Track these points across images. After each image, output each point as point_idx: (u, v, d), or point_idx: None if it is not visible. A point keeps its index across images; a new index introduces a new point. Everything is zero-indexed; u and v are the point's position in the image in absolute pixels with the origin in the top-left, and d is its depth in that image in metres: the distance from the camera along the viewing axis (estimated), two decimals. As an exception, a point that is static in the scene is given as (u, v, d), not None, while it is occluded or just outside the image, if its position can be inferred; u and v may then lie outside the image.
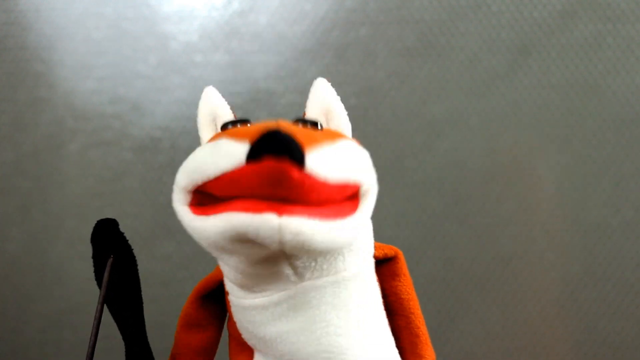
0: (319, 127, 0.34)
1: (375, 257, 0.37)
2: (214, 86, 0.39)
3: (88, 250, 0.38)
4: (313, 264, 0.33)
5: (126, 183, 0.72)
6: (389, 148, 0.71)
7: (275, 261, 0.32)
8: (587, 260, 0.71)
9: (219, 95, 0.38)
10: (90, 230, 0.38)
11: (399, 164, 0.71)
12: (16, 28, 0.72)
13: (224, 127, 0.35)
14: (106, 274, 0.37)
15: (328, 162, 0.29)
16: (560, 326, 0.72)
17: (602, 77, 0.71)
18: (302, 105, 0.40)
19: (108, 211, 0.71)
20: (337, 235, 0.30)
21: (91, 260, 0.38)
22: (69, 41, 0.72)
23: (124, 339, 0.38)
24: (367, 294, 0.36)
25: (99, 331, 0.38)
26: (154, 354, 0.41)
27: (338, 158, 0.31)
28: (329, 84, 0.38)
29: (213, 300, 0.40)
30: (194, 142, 0.36)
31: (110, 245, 0.37)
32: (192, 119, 0.39)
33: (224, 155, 0.29)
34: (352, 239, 0.32)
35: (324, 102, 0.38)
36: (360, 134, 0.70)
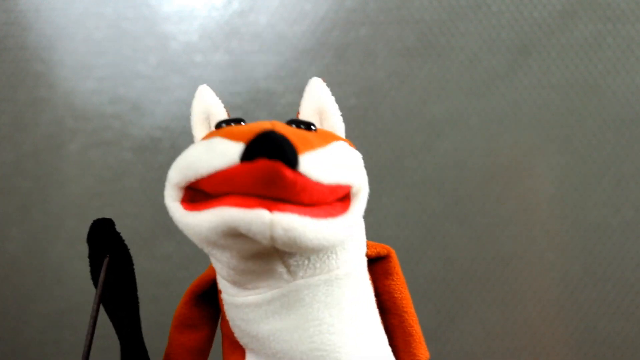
0: (313, 129, 0.34)
1: (368, 255, 0.38)
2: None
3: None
4: (306, 262, 0.33)
5: (126, 183, 0.72)
6: (389, 148, 0.71)
7: (268, 258, 0.32)
8: (587, 260, 0.71)
9: (213, 94, 0.38)
10: (91, 230, 0.38)
11: (399, 164, 0.71)
12: (16, 28, 0.72)
13: (218, 125, 0.35)
14: (102, 274, 0.37)
15: (321, 164, 0.30)
16: (560, 326, 0.72)
17: (602, 77, 0.71)
18: (302, 105, 0.40)
19: (108, 211, 0.71)
20: (328, 233, 0.30)
21: (91, 261, 0.38)
22: (69, 41, 0.72)
23: (119, 338, 0.38)
24: (360, 293, 0.36)
25: (96, 331, 0.38)
26: (154, 354, 0.41)
27: (331, 161, 0.31)
28: (324, 83, 0.38)
29: (206, 300, 0.40)
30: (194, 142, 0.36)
31: (106, 245, 0.37)
32: (192, 119, 0.39)
33: (218, 154, 0.29)
34: (343, 237, 0.32)
35: (319, 102, 0.38)
36: (360, 134, 0.71)
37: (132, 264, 0.38)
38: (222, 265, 0.34)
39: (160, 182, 0.32)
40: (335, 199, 0.31)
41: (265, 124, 0.32)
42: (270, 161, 0.27)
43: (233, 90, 0.71)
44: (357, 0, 0.71)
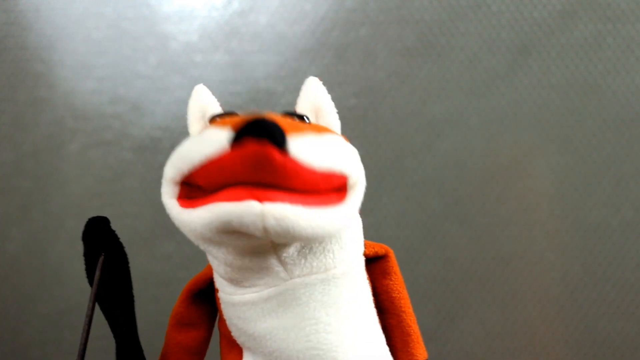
0: (307, 121, 0.35)
1: (365, 255, 0.38)
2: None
3: (88, 250, 0.38)
4: (302, 260, 0.33)
5: (126, 183, 0.72)
6: (389, 148, 0.71)
7: (264, 255, 0.32)
8: (587, 260, 0.71)
9: (210, 94, 0.38)
10: (91, 230, 0.38)
11: (399, 164, 0.71)
12: (16, 28, 0.72)
13: (212, 119, 0.35)
14: (97, 272, 0.37)
15: (312, 148, 0.29)
16: (560, 326, 0.72)
17: (602, 77, 0.71)
18: (302, 105, 0.40)
19: (108, 211, 0.71)
20: (322, 222, 0.30)
21: (91, 261, 0.38)
22: (69, 41, 0.72)
23: (114, 336, 0.38)
24: (357, 292, 0.36)
25: (95, 331, 0.38)
26: (154, 354, 0.41)
27: (323, 146, 0.30)
28: (320, 82, 0.38)
29: (204, 299, 0.40)
30: (194, 142, 0.36)
31: (101, 243, 0.37)
32: (192, 119, 0.39)
33: (208, 141, 0.29)
34: (339, 227, 0.32)
35: (315, 100, 0.38)
36: (360, 134, 0.71)
37: (127, 262, 0.38)
38: (219, 263, 0.34)
39: (160, 182, 0.32)
40: (331, 189, 0.31)
41: (256, 114, 0.32)
42: (258, 144, 0.27)
43: (233, 90, 0.71)
44: (357, 0, 0.71)
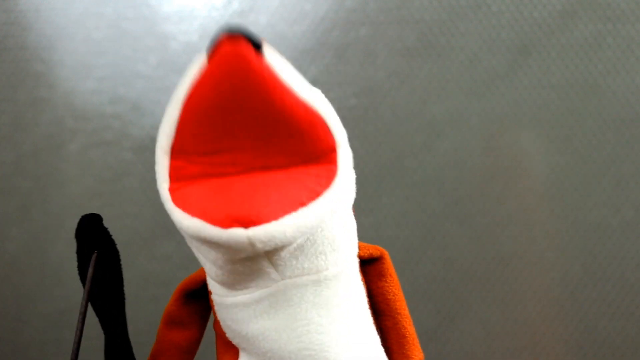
0: None
1: (360, 257, 0.38)
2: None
3: (88, 250, 0.38)
4: (294, 262, 0.33)
5: (126, 183, 0.72)
6: (389, 148, 0.71)
7: (255, 259, 0.32)
8: (587, 260, 0.71)
9: None
10: (90, 230, 0.38)
11: (399, 164, 0.71)
12: (16, 28, 0.72)
13: None
14: (90, 270, 0.37)
15: (290, 70, 0.30)
16: (560, 326, 0.72)
17: (602, 77, 0.71)
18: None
19: (108, 211, 0.71)
20: (311, 221, 0.30)
21: (91, 260, 0.38)
22: (69, 41, 0.72)
23: (104, 333, 0.38)
24: (351, 293, 0.36)
25: (92, 330, 0.38)
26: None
27: (303, 82, 0.31)
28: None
29: (196, 299, 0.40)
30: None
31: (94, 241, 0.37)
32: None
33: (187, 74, 0.31)
34: (331, 214, 0.32)
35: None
36: (360, 134, 0.71)
37: (120, 260, 0.38)
38: (211, 265, 0.34)
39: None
40: (318, 149, 0.32)
41: None
42: (233, 43, 0.28)
43: (233, 90, 0.71)
44: (357, 0, 0.71)
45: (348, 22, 0.71)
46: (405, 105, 0.71)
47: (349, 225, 0.36)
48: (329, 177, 0.32)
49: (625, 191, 0.71)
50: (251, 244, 0.29)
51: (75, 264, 0.38)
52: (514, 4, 0.71)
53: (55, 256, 0.72)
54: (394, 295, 0.39)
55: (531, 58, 0.71)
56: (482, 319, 0.72)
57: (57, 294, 0.72)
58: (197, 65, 0.30)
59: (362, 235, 0.39)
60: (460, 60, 0.71)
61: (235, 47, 0.28)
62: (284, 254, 0.33)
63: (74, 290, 0.71)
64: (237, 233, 0.29)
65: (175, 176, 0.32)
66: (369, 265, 0.39)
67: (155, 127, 0.73)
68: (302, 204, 0.30)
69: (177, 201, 0.31)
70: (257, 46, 0.29)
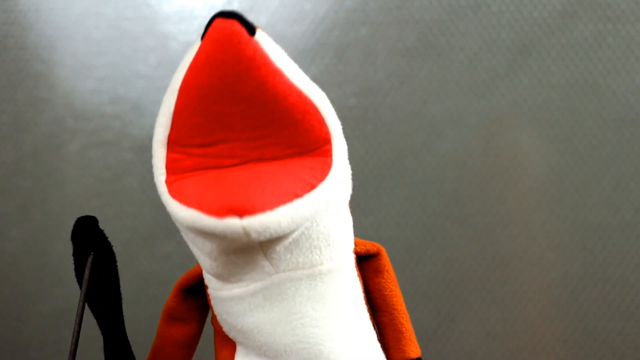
0: None
1: (356, 253, 0.38)
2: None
3: (88, 250, 0.38)
4: (288, 256, 0.33)
5: (126, 183, 0.72)
6: (389, 148, 0.71)
7: (250, 250, 0.33)
8: (587, 260, 0.71)
9: None
10: (90, 230, 0.38)
11: (399, 164, 0.71)
12: (16, 28, 0.72)
13: None
14: (87, 272, 0.37)
15: (284, 57, 0.31)
16: (560, 326, 0.72)
17: (602, 77, 0.71)
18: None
19: (108, 211, 0.71)
20: (306, 213, 0.31)
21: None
22: (69, 41, 0.72)
23: (103, 334, 0.38)
24: (346, 288, 0.36)
25: (91, 331, 0.38)
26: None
27: (294, 65, 0.32)
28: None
29: (195, 295, 0.40)
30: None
31: (90, 242, 0.37)
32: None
33: (184, 58, 0.31)
34: (326, 206, 0.33)
35: None
36: (360, 134, 0.71)
37: (116, 261, 0.39)
38: (205, 258, 0.34)
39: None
40: (312, 139, 0.32)
41: None
42: (226, 25, 0.29)
43: (233, 90, 0.71)
44: (357, 0, 0.71)
45: (348, 22, 0.71)
46: (405, 105, 0.71)
47: (345, 221, 0.36)
48: (324, 169, 0.32)
49: (625, 191, 0.71)
50: (246, 233, 0.29)
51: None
52: (514, 4, 0.71)
53: (55, 256, 0.72)
54: (390, 291, 0.39)
55: (531, 58, 0.71)
56: (482, 319, 0.72)
57: (57, 294, 0.72)
58: (192, 51, 0.31)
59: (362, 236, 0.39)
60: (460, 60, 0.71)
61: (227, 28, 0.29)
62: (278, 247, 0.33)
63: (74, 290, 0.71)
64: (233, 223, 0.29)
65: (171, 169, 0.32)
66: (365, 262, 0.39)
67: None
68: (297, 195, 0.31)
69: (174, 193, 0.31)
70: (250, 29, 0.29)
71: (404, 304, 0.40)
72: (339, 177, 0.33)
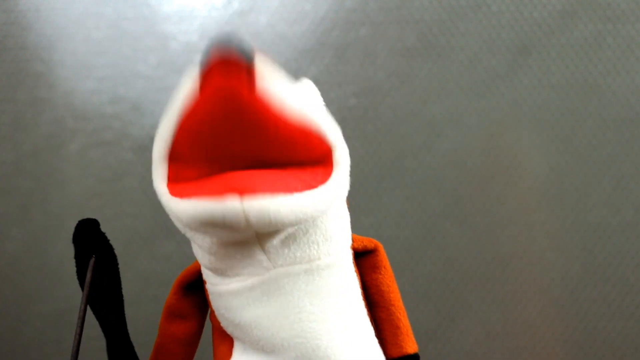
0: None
1: (354, 248, 0.38)
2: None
3: (88, 250, 0.38)
4: (286, 251, 0.34)
5: (126, 183, 0.72)
6: (389, 148, 0.71)
7: (248, 245, 0.33)
8: (587, 260, 0.71)
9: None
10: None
11: (399, 164, 0.71)
12: (16, 28, 0.72)
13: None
14: (89, 275, 0.37)
15: (283, 89, 0.31)
16: (560, 326, 0.72)
17: (602, 77, 0.71)
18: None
19: (108, 211, 0.71)
20: (303, 208, 0.31)
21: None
22: (69, 41, 0.72)
23: (105, 337, 0.38)
24: (343, 284, 0.36)
25: (92, 331, 0.38)
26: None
27: (298, 96, 0.32)
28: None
29: (195, 291, 0.40)
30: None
31: (92, 245, 0.37)
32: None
33: (180, 92, 0.31)
34: (322, 210, 0.33)
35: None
36: (360, 134, 0.71)
37: (117, 264, 0.39)
38: (204, 253, 0.35)
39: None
40: (313, 159, 0.32)
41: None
42: (225, 74, 0.28)
43: (233, 90, 0.71)
44: (357, 0, 0.71)
45: (348, 22, 0.71)
46: (405, 105, 0.71)
47: (342, 216, 0.37)
48: (325, 174, 0.33)
49: (625, 191, 0.71)
50: (245, 217, 0.29)
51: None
52: (514, 4, 0.71)
53: (55, 256, 0.72)
54: (387, 287, 0.39)
55: (531, 58, 0.71)
56: (482, 319, 0.72)
57: (57, 294, 0.72)
58: (190, 79, 0.31)
59: (362, 235, 0.39)
60: (460, 60, 0.71)
61: (226, 80, 0.29)
62: (275, 241, 0.33)
63: (74, 290, 0.71)
64: (233, 205, 0.29)
65: (173, 177, 0.32)
66: (363, 258, 0.39)
67: (155, 127, 0.72)
68: (297, 190, 0.31)
69: (174, 193, 0.32)
70: (248, 59, 0.29)
71: (401, 300, 0.40)
72: (340, 183, 0.33)
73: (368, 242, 0.39)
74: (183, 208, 0.31)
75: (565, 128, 0.71)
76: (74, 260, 0.38)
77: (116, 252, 0.39)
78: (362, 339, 0.37)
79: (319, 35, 0.71)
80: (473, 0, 0.71)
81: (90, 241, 0.38)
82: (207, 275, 0.37)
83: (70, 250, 0.75)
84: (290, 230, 0.33)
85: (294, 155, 0.32)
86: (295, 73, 0.73)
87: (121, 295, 0.39)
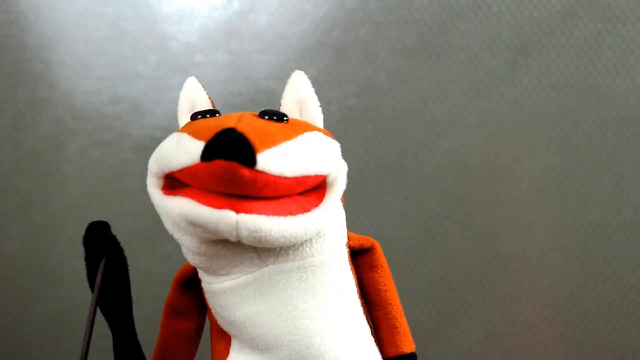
0: (285, 120, 0.35)
1: (350, 247, 0.38)
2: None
3: (88, 250, 0.38)
4: (277, 249, 0.34)
5: (126, 183, 0.72)
6: (389, 148, 0.71)
7: (237, 242, 0.33)
8: (587, 260, 0.71)
9: (200, 87, 0.40)
10: (91, 230, 0.38)
11: (399, 164, 0.71)
12: (16, 28, 0.72)
13: (194, 117, 0.37)
14: (99, 276, 0.37)
15: (283, 158, 0.31)
16: (560, 326, 0.72)
17: (602, 77, 0.71)
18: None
19: (108, 211, 0.71)
20: (295, 231, 0.32)
21: (91, 261, 0.38)
22: (69, 41, 0.72)
23: (113, 336, 0.38)
24: (338, 281, 0.36)
25: (97, 331, 0.38)
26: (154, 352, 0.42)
27: (295, 153, 0.32)
28: (306, 76, 0.39)
29: (194, 288, 0.40)
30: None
31: (102, 247, 0.38)
32: (192, 119, 0.39)
33: (183, 152, 0.32)
34: (316, 230, 0.33)
35: (299, 94, 0.39)
36: (360, 134, 0.71)
37: (127, 266, 0.39)
38: (193, 254, 0.35)
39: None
40: (307, 189, 0.33)
41: (231, 119, 0.33)
42: (226, 162, 0.29)
43: (233, 90, 0.71)
44: (357, 0, 0.71)
45: (348, 22, 0.71)
46: (405, 105, 0.71)
47: (338, 215, 0.37)
48: (318, 197, 0.34)
49: (625, 191, 0.71)
50: (237, 228, 0.30)
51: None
52: (514, 4, 0.71)
53: (55, 256, 0.72)
54: (384, 286, 0.39)
55: (531, 58, 0.71)
56: (482, 319, 0.72)
57: (57, 294, 0.72)
58: (188, 153, 0.32)
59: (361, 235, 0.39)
60: (460, 60, 0.71)
61: (228, 165, 0.30)
62: None
63: (74, 290, 0.71)
64: (228, 215, 0.30)
65: (168, 186, 0.34)
66: (360, 256, 0.39)
67: (155, 127, 0.73)
68: (291, 213, 0.32)
69: (168, 193, 0.33)
70: (250, 165, 0.30)
71: (398, 299, 0.40)
72: (333, 204, 0.34)
73: (364, 240, 0.39)
74: (176, 203, 0.32)
75: (565, 128, 0.71)
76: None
77: (119, 253, 0.39)
78: (357, 337, 0.37)
79: (319, 35, 0.71)
80: (473, 0, 0.71)
81: (101, 243, 0.38)
82: (202, 274, 0.37)
83: (70, 251, 0.75)
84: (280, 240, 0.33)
85: (290, 194, 0.33)
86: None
87: (130, 298, 0.39)
